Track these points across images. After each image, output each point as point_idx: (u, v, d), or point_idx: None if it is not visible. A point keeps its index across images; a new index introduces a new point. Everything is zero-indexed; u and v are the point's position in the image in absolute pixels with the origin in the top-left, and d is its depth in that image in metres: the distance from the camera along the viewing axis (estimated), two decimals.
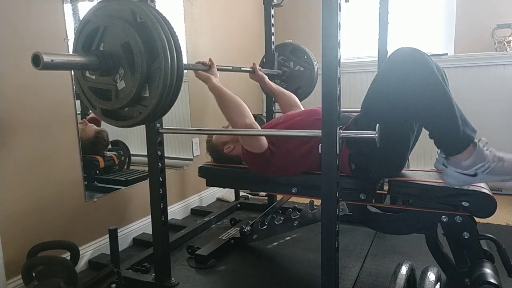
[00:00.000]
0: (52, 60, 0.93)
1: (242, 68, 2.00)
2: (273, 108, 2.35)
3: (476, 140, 1.31)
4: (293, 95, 2.09)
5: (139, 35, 1.02)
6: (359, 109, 1.59)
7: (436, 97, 1.28)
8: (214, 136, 1.83)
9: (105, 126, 1.93)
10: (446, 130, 1.30)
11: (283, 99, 2.06)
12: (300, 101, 2.11)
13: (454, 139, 1.30)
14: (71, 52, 1.19)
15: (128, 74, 1.06)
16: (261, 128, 1.66)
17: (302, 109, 2.05)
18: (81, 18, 1.71)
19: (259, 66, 2.41)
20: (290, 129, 1.62)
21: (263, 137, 1.55)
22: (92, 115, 1.86)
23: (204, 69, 1.65)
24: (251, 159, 1.60)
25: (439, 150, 1.39)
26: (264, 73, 2.30)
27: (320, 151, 1.08)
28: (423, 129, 1.42)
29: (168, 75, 1.05)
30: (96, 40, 1.08)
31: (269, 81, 2.07)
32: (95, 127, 1.89)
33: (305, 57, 2.37)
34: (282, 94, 2.06)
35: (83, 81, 1.15)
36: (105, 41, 1.08)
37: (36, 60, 0.91)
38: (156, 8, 1.10)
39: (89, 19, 1.10)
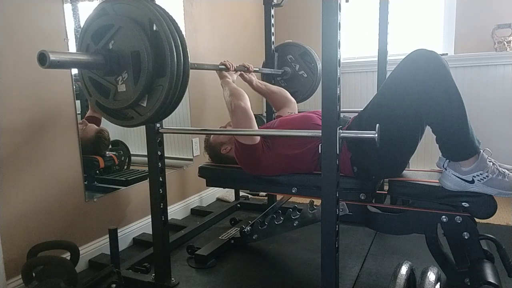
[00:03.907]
0: (58, 59, 0.92)
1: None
2: (273, 108, 2.35)
3: (481, 150, 1.31)
4: (283, 89, 2.08)
5: (151, 47, 1.01)
6: (359, 109, 1.59)
7: (451, 103, 1.27)
8: (212, 136, 1.83)
9: (106, 126, 1.92)
10: (455, 137, 1.29)
11: (273, 98, 2.06)
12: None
13: (461, 146, 1.29)
14: (76, 41, 1.16)
15: (130, 80, 1.05)
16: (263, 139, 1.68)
17: (293, 101, 2.05)
18: (81, 18, 1.73)
19: (261, 66, 2.42)
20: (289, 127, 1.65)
21: (256, 128, 1.58)
22: (90, 113, 1.85)
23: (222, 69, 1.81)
24: (242, 153, 1.61)
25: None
26: (266, 72, 2.30)
27: (320, 151, 1.08)
28: (425, 131, 1.42)
29: (169, 95, 1.05)
30: (107, 36, 1.07)
31: (257, 84, 2.04)
32: (96, 127, 1.89)
33: (312, 65, 2.37)
34: (272, 93, 2.05)
35: (84, 70, 1.14)
36: (116, 39, 1.06)
37: (42, 59, 0.90)
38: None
39: (106, 10, 1.07)
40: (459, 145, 1.30)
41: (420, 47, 1.32)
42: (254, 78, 2.05)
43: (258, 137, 1.57)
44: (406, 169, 1.54)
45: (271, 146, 1.60)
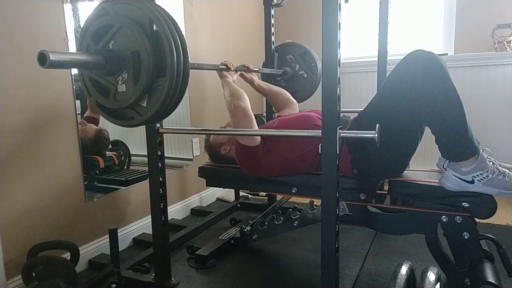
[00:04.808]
0: (58, 59, 0.92)
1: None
2: (273, 108, 2.35)
3: (480, 150, 1.31)
4: (284, 91, 2.08)
5: (151, 47, 1.01)
6: (359, 109, 1.59)
7: (450, 103, 1.27)
8: (212, 136, 1.83)
9: (105, 126, 1.92)
10: (454, 137, 1.29)
11: (274, 99, 2.06)
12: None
13: (461, 147, 1.29)
14: (76, 41, 1.16)
15: (130, 80, 1.05)
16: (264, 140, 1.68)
17: (295, 102, 2.05)
18: (81, 18, 1.73)
19: (261, 66, 2.41)
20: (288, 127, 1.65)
21: (256, 129, 1.59)
22: (88, 113, 1.85)
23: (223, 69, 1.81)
24: (242, 155, 1.61)
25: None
26: (266, 72, 2.30)
27: (320, 151, 1.08)
28: (425, 131, 1.42)
29: (169, 95, 1.05)
30: (107, 36, 1.07)
31: (258, 83, 2.05)
32: (95, 126, 1.89)
33: (312, 65, 2.37)
34: (273, 94, 2.06)
35: (84, 70, 1.14)
36: (116, 39, 1.06)
37: (42, 59, 0.90)
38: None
39: (106, 10, 1.07)
40: (458, 146, 1.30)
41: (418, 48, 1.32)
42: (255, 78, 2.05)
43: (259, 139, 1.56)
44: (406, 169, 1.54)
45: (272, 149, 1.59)
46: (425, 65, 1.28)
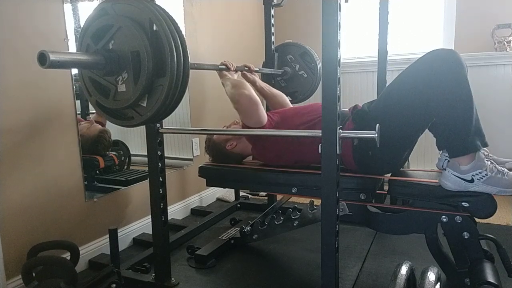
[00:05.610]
0: (58, 59, 0.92)
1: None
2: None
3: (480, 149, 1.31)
4: (284, 95, 2.10)
5: (151, 47, 1.01)
6: None
7: (460, 98, 1.29)
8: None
9: (107, 126, 1.93)
10: (456, 131, 1.30)
11: (273, 101, 2.07)
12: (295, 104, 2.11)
13: (460, 141, 1.30)
14: (76, 41, 1.15)
15: (130, 80, 1.05)
16: (269, 112, 1.77)
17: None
18: (81, 18, 1.73)
19: (261, 66, 2.42)
20: (298, 110, 1.75)
21: (263, 113, 1.64)
22: (95, 117, 1.86)
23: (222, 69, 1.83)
24: (251, 137, 1.70)
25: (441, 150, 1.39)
26: (266, 72, 2.31)
27: (320, 151, 1.08)
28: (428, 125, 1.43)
29: (169, 95, 1.05)
30: (107, 36, 1.07)
31: (260, 85, 2.06)
32: (100, 126, 1.90)
33: (312, 65, 2.37)
34: (273, 97, 2.07)
35: (84, 70, 1.14)
36: (115, 39, 1.06)
37: (42, 59, 0.90)
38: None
39: (106, 10, 1.07)
40: (458, 140, 1.30)
41: (440, 47, 1.36)
42: (257, 78, 2.05)
43: (265, 119, 1.64)
44: (406, 169, 1.54)
45: (280, 122, 1.66)
46: (445, 60, 1.30)
